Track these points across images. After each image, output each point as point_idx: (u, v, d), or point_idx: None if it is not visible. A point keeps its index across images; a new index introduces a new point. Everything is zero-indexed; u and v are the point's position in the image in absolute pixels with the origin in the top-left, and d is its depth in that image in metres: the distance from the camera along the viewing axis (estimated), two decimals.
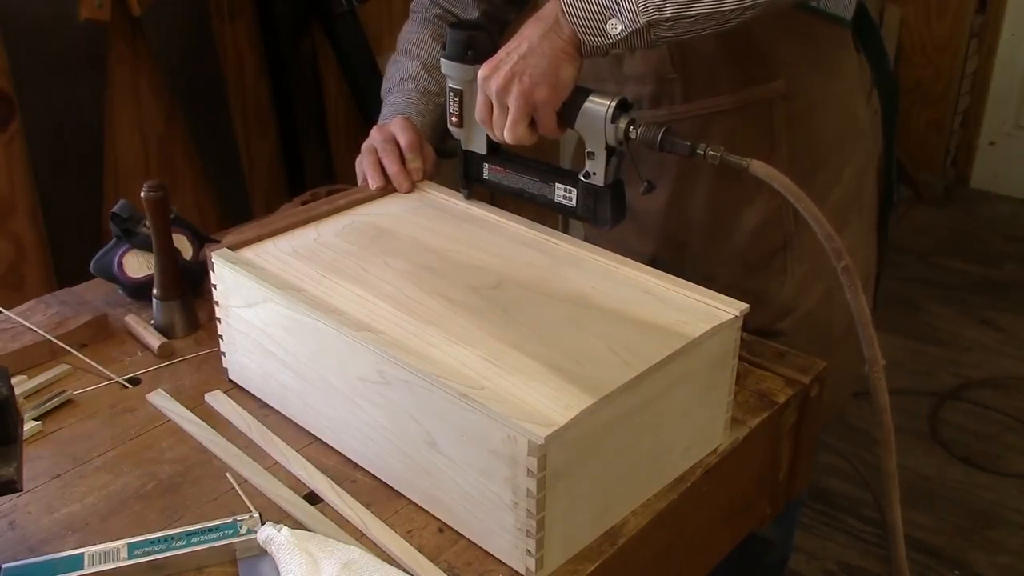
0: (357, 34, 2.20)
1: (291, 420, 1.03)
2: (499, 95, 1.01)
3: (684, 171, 1.24)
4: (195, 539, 0.85)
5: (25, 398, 1.06)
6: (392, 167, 1.19)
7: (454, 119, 1.13)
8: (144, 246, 1.22)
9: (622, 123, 1.01)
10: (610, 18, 0.95)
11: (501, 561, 0.85)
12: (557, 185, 1.10)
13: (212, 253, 1.03)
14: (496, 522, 0.83)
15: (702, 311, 0.94)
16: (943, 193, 3.78)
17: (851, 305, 0.94)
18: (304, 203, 1.30)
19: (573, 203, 1.09)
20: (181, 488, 0.95)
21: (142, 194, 1.12)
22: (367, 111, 2.26)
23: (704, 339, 0.90)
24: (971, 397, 2.67)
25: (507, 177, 1.14)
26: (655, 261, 1.28)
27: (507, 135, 1.03)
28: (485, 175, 1.16)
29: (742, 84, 1.16)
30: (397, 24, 1.38)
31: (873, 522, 2.22)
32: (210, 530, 0.86)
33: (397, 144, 1.21)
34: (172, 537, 0.86)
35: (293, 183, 2.24)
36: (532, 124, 1.03)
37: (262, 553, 0.85)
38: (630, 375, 0.84)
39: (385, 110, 1.31)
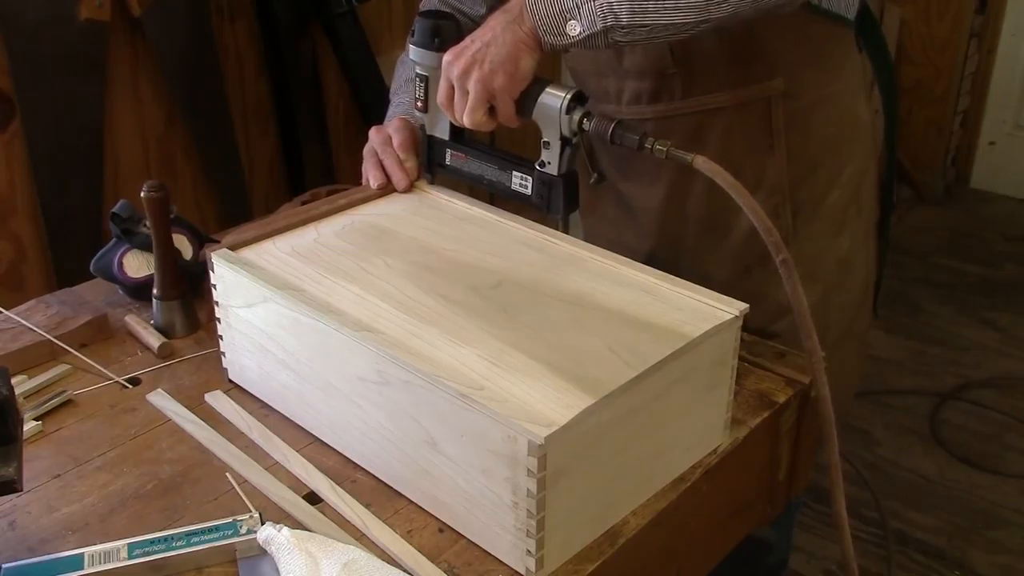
0: (357, 34, 2.19)
1: (291, 420, 1.03)
2: (460, 79, 1.04)
3: (682, 168, 1.24)
4: (195, 539, 0.85)
5: (25, 398, 1.06)
6: (391, 166, 1.20)
7: (419, 104, 1.16)
8: (144, 246, 1.22)
9: (576, 115, 1.05)
10: (570, 20, 0.99)
11: (501, 561, 0.85)
12: (514, 173, 1.13)
13: (212, 253, 1.03)
14: (496, 522, 0.83)
15: (702, 311, 0.94)
16: (943, 193, 3.78)
17: (789, 296, 0.97)
18: (304, 203, 1.30)
19: (528, 191, 1.12)
20: (181, 488, 0.94)
21: (142, 194, 1.12)
22: (367, 111, 2.26)
23: (704, 339, 0.90)
24: (971, 397, 2.66)
25: (467, 163, 1.17)
26: (652, 259, 1.28)
27: (466, 119, 1.07)
28: (447, 160, 1.18)
29: (742, 81, 1.17)
30: (397, 24, 1.39)
31: (873, 522, 2.22)
32: (210, 530, 0.86)
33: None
34: (172, 537, 0.86)
35: (293, 183, 2.24)
36: (491, 111, 1.06)
37: (262, 553, 0.85)
38: (630, 375, 0.84)
39: (389, 111, 1.33)
